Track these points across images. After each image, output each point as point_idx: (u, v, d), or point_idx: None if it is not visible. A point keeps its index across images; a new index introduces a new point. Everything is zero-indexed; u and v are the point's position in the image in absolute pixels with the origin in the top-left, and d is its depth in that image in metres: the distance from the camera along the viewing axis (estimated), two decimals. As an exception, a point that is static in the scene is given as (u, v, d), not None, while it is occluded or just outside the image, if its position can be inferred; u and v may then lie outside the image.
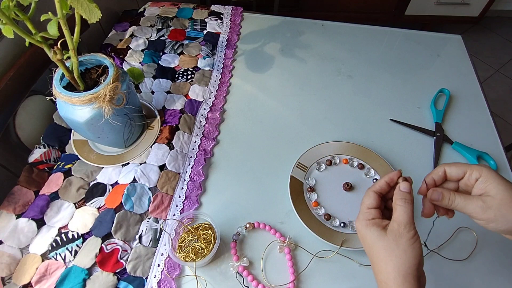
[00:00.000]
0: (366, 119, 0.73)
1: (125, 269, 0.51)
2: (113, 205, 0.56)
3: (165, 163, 0.61)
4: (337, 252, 0.54)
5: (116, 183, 0.59)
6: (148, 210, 0.57)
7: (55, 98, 0.52)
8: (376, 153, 0.65)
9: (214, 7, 0.93)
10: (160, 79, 0.75)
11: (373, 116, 0.74)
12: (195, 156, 0.64)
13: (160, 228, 0.55)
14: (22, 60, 0.61)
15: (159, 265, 0.52)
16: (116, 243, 0.53)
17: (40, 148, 0.61)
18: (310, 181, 0.62)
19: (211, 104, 0.73)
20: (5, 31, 0.43)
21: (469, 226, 0.57)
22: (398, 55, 0.86)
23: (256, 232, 0.57)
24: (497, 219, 0.37)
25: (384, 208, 0.43)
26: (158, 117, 0.68)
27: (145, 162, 0.61)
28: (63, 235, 0.53)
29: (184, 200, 0.59)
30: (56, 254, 0.51)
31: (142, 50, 0.81)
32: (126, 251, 0.53)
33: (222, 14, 0.92)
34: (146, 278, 0.51)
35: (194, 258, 0.50)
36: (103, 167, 0.61)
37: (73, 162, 0.61)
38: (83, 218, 0.55)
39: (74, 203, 0.56)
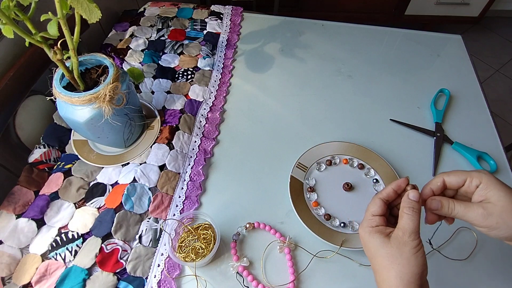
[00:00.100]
0: (366, 119, 0.73)
1: (125, 269, 0.51)
2: (113, 205, 0.56)
3: (165, 163, 0.61)
4: (337, 252, 0.54)
5: (116, 183, 0.59)
6: (148, 210, 0.57)
7: (55, 98, 0.52)
8: (376, 153, 0.65)
9: (214, 7, 0.93)
10: (160, 79, 0.75)
11: (373, 116, 0.74)
12: (195, 156, 0.64)
13: (160, 228, 0.55)
14: (22, 60, 0.61)
15: (159, 265, 0.52)
16: (116, 243, 0.53)
17: (40, 148, 0.61)
18: (310, 181, 0.62)
19: (211, 104, 0.73)
20: (5, 31, 0.43)
21: (469, 226, 0.57)
22: (398, 55, 0.87)
23: (256, 232, 0.57)
24: (499, 226, 0.36)
25: (389, 215, 0.42)
26: (158, 117, 0.68)
27: (145, 162, 0.61)
28: (63, 235, 0.53)
29: (184, 200, 0.59)
30: (56, 254, 0.51)
31: (142, 50, 0.81)
32: (126, 251, 0.53)
33: (222, 14, 0.92)
34: (146, 278, 0.51)
35: (194, 258, 0.50)
36: (103, 167, 0.61)
37: (73, 162, 0.61)
38: (83, 218, 0.55)
39: (74, 203, 0.56)
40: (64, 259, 0.51)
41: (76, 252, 0.52)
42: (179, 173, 0.61)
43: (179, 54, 0.81)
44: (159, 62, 0.79)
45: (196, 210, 0.58)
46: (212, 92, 0.75)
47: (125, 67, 0.77)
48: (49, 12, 0.44)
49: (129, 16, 0.89)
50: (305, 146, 0.65)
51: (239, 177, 0.63)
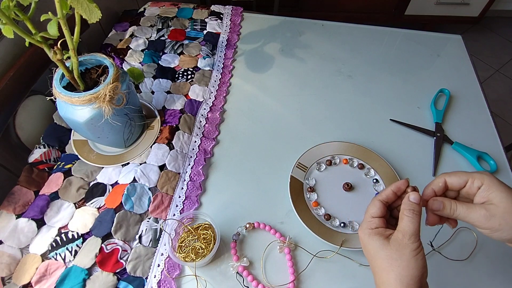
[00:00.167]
0: (366, 119, 0.73)
1: (125, 269, 0.51)
2: (113, 205, 0.56)
3: (165, 163, 0.61)
4: (337, 252, 0.54)
5: (116, 183, 0.59)
6: (148, 210, 0.57)
7: (55, 98, 0.52)
8: (376, 153, 0.65)
9: (214, 7, 0.93)
10: (160, 79, 0.75)
11: (373, 116, 0.74)
12: (195, 156, 0.64)
13: (160, 228, 0.55)
14: (22, 60, 0.61)
15: (159, 265, 0.52)
16: (116, 243, 0.53)
17: (40, 148, 0.61)
18: (310, 181, 0.62)
19: (211, 104, 0.73)
20: (5, 31, 0.43)
21: (469, 226, 0.57)
22: (398, 55, 0.86)
23: (256, 232, 0.57)
24: (501, 227, 0.36)
25: (389, 217, 0.42)
26: (158, 117, 0.68)
27: (145, 162, 0.61)
28: (63, 235, 0.53)
29: (184, 200, 0.59)
30: (56, 254, 0.51)
31: (142, 50, 0.81)
32: (126, 251, 0.53)
33: (222, 14, 0.92)
34: (146, 278, 0.51)
35: (194, 258, 0.50)
36: (103, 167, 0.61)
37: (73, 162, 0.61)
38: (83, 218, 0.55)
39: (74, 203, 0.56)
40: (64, 259, 0.51)
41: (76, 252, 0.52)
42: (179, 173, 0.61)
43: (179, 54, 0.81)
44: (159, 62, 0.79)
45: (196, 210, 0.58)
46: (212, 92, 0.75)
47: (125, 67, 0.77)
48: (49, 12, 0.44)
49: (129, 16, 0.89)
50: (305, 146, 0.65)
51: (239, 177, 0.63)
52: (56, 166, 0.61)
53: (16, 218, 0.54)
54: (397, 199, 0.41)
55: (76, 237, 0.53)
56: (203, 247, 0.51)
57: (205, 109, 0.72)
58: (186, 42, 0.84)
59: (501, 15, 2.26)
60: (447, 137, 0.70)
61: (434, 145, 0.68)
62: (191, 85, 0.75)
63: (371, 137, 0.69)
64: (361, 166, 0.64)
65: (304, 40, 0.89)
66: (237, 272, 0.52)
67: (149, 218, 0.56)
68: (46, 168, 0.60)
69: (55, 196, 0.57)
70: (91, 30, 0.79)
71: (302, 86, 0.79)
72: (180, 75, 0.77)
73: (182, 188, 0.60)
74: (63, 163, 0.61)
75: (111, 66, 0.53)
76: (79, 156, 0.61)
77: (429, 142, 0.70)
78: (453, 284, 0.53)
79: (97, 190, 0.58)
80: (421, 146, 0.69)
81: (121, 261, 0.52)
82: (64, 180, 0.58)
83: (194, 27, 0.88)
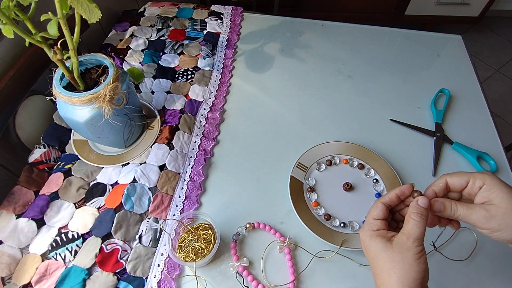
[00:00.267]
0: (366, 119, 0.73)
1: (125, 269, 0.51)
2: (113, 205, 0.56)
3: (165, 163, 0.61)
4: (337, 252, 0.54)
5: (116, 183, 0.59)
6: (148, 210, 0.57)
7: (55, 98, 0.52)
8: (376, 153, 0.65)
9: (214, 7, 0.93)
10: (160, 79, 0.75)
11: (373, 116, 0.74)
12: (195, 156, 0.64)
13: (160, 228, 0.55)
14: (22, 60, 0.61)
15: (159, 265, 0.52)
16: (116, 243, 0.53)
17: (40, 148, 0.61)
18: (310, 181, 0.62)
19: (211, 104, 0.73)
20: (5, 31, 0.43)
21: (469, 226, 0.57)
22: (398, 55, 0.86)
23: (256, 232, 0.57)
24: (501, 228, 0.36)
25: (391, 220, 0.42)
26: (158, 117, 0.68)
27: (145, 162, 0.61)
28: (63, 235, 0.53)
29: (184, 200, 0.59)
30: (56, 254, 0.51)
31: (142, 50, 0.81)
32: (126, 251, 0.53)
33: (222, 14, 0.92)
34: (146, 278, 0.51)
35: (194, 258, 0.50)
36: (103, 167, 0.61)
37: (73, 162, 0.61)
38: (83, 218, 0.55)
39: (74, 203, 0.56)
40: (64, 259, 0.51)
41: (76, 252, 0.52)
42: (179, 173, 0.61)
43: (179, 54, 0.81)
44: (159, 62, 0.79)
45: (196, 210, 0.58)
46: (212, 92, 0.75)
47: (125, 67, 0.77)
48: (49, 12, 0.44)
49: (129, 16, 0.89)
50: (305, 146, 0.65)
51: (239, 177, 0.63)
52: (56, 166, 0.61)
53: (16, 218, 0.54)
54: (400, 203, 0.41)
55: (76, 237, 0.53)
56: (203, 247, 0.51)
57: (205, 109, 0.72)
58: (186, 42, 0.84)
59: (501, 15, 2.26)
60: (447, 137, 0.70)
61: (434, 145, 0.68)
62: (191, 85, 0.75)
63: (371, 137, 0.69)
64: (361, 166, 0.64)
65: (304, 40, 0.89)
66: (237, 272, 0.52)
67: (149, 218, 0.56)
68: (46, 168, 0.60)
69: (55, 196, 0.57)
70: (91, 30, 0.79)
71: (302, 86, 0.79)
72: (180, 75, 0.77)
73: (182, 188, 0.60)
74: (63, 163, 0.61)
75: (111, 66, 0.53)
76: (79, 156, 0.61)
77: (429, 142, 0.70)
78: (453, 284, 0.53)
79: (97, 190, 0.58)
80: (421, 146, 0.69)
81: (121, 261, 0.52)
82: (64, 180, 0.58)
83: (194, 27, 0.88)
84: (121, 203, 0.56)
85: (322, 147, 0.66)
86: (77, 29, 0.48)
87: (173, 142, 0.64)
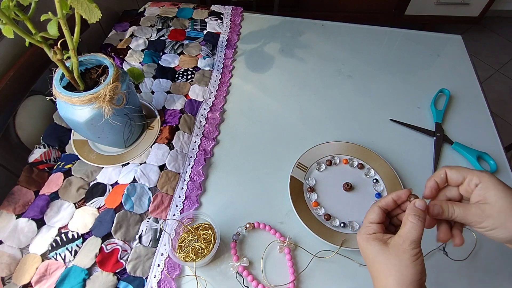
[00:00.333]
0: (366, 119, 0.73)
1: (125, 269, 0.51)
2: (113, 205, 0.56)
3: (165, 163, 0.61)
4: (337, 252, 0.54)
5: (116, 183, 0.59)
6: (148, 210, 0.57)
7: (55, 98, 0.52)
8: (376, 153, 0.65)
9: (214, 7, 0.93)
10: (160, 79, 0.75)
11: (373, 116, 0.74)
12: (195, 156, 0.64)
13: (160, 228, 0.55)
14: (22, 60, 0.61)
15: (159, 265, 0.52)
16: (116, 243, 0.53)
17: (40, 148, 0.61)
18: (310, 181, 0.62)
19: (211, 104, 0.73)
20: (5, 31, 0.43)
21: (468, 226, 0.57)
22: (398, 55, 0.86)
23: (256, 232, 0.57)
24: (495, 227, 0.36)
25: (389, 224, 0.42)
26: (158, 117, 0.68)
27: (145, 162, 0.61)
28: (63, 235, 0.53)
29: (184, 200, 0.59)
30: (56, 254, 0.51)
31: (142, 50, 0.81)
32: (126, 251, 0.53)
33: (222, 14, 0.92)
34: (146, 278, 0.51)
35: (194, 258, 0.50)
36: (103, 167, 0.61)
37: (73, 162, 0.61)
38: (83, 218, 0.55)
39: (74, 203, 0.56)
40: (64, 259, 0.51)
41: (76, 252, 0.52)
42: (179, 173, 0.61)
43: (179, 54, 0.81)
44: (159, 62, 0.79)
45: (196, 210, 0.58)
46: (212, 92, 0.75)
47: (125, 67, 0.77)
48: (49, 12, 0.44)
49: (129, 16, 0.89)
50: (305, 146, 0.65)
51: (239, 177, 0.63)
52: (56, 166, 0.61)
53: (16, 218, 0.54)
54: (397, 208, 0.41)
55: (76, 237, 0.53)
56: (203, 247, 0.51)
57: (205, 109, 0.72)
58: (186, 42, 0.84)
59: (501, 15, 2.26)
60: (447, 137, 0.70)
61: (434, 145, 0.68)
62: (191, 85, 0.75)
63: (371, 137, 0.69)
64: (361, 166, 0.64)
65: (304, 40, 0.89)
66: (237, 272, 0.52)
67: (149, 218, 0.56)
68: (46, 168, 0.60)
69: (55, 196, 0.57)
70: (91, 30, 0.79)
71: (302, 86, 0.79)
72: (180, 75, 0.77)
73: (182, 188, 0.60)
74: (63, 163, 0.61)
75: (111, 66, 0.53)
76: (79, 156, 0.61)
77: (429, 142, 0.70)
78: (453, 284, 0.53)
79: (97, 190, 0.58)
80: (421, 146, 0.69)
81: (121, 261, 0.52)
82: (64, 180, 0.58)
83: (194, 27, 0.88)
84: (121, 203, 0.56)
85: (322, 147, 0.66)
86: (77, 29, 0.48)
87: (173, 142, 0.64)
